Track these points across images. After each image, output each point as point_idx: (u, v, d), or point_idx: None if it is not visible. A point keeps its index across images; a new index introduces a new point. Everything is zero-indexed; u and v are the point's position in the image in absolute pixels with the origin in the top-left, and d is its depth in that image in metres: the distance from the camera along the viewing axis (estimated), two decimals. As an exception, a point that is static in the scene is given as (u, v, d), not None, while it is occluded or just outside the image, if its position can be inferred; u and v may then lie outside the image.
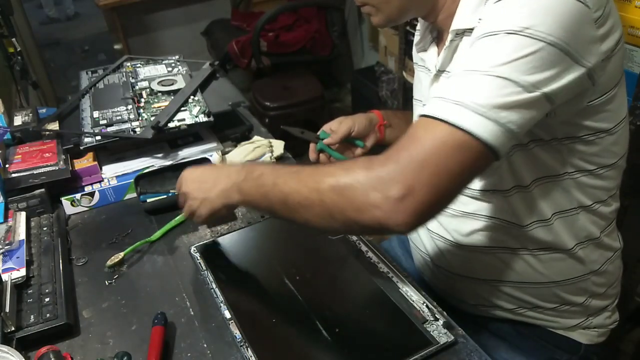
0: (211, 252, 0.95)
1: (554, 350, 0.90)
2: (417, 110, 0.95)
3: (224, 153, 1.19)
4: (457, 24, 0.74)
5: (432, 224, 0.91)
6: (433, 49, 0.86)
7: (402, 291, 0.83)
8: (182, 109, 1.19)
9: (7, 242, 0.93)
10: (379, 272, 0.87)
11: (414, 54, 0.93)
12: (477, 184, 0.80)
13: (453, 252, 0.89)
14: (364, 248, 0.92)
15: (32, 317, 0.81)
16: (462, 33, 0.74)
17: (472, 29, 0.69)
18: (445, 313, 0.78)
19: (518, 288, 0.87)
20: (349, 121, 0.98)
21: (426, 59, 0.87)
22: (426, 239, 0.94)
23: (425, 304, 0.79)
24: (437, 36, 0.86)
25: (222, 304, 0.83)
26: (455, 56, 0.77)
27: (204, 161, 1.13)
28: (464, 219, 0.85)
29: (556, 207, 0.79)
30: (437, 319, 0.77)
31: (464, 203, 0.84)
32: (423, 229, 0.93)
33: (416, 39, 0.90)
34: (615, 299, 0.93)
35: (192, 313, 0.84)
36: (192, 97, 1.23)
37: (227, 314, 0.81)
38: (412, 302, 0.81)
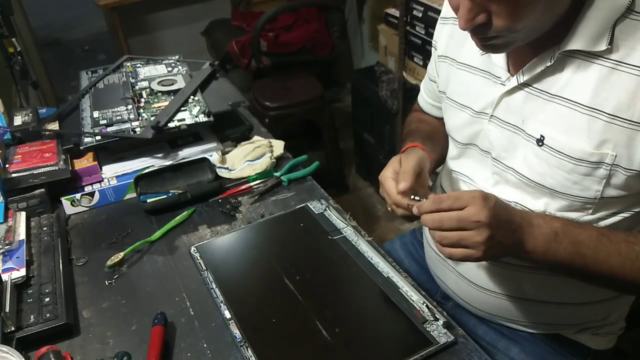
0: (211, 252, 0.95)
1: (565, 354, 0.90)
2: (458, 115, 0.87)
3: (224, 153, 1.19)
4: (573, 44, 0.67)
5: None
6: (499, 54, 0.78)
7: (402, 291, 0.83)
8: (182, 109, 1.19)
9: (7, 242, 0.93)
10: (379, 272, 0.87)
11: (454, 52, 0.86)
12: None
13: (489, 269, 0.86)
14: (364, 248, 0.92)
15: (32, 317, 0.81)
16: (571, 52, 0.69)
17: (586, 52, 0.67)
18: (445, 313, 0.78)
19: (554, 307, 0.85)
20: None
21: (489, 62, 0.79)
22: None
23: (425, 304, 0.79)
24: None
25: (222, 304, 0.83)
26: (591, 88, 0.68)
27: (204, 161, 1.13)
28: None
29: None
30: (437, 319, 0.77)
31: None
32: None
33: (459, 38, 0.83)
34: (627, 309, 0.93)
35: (192, 313, 0.84)
36: (192, 97, 1.23)
37: (227, 314, 0.81)
38: (412, 302, 0.81)
